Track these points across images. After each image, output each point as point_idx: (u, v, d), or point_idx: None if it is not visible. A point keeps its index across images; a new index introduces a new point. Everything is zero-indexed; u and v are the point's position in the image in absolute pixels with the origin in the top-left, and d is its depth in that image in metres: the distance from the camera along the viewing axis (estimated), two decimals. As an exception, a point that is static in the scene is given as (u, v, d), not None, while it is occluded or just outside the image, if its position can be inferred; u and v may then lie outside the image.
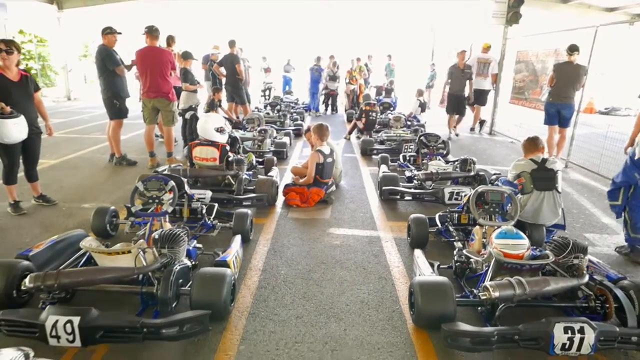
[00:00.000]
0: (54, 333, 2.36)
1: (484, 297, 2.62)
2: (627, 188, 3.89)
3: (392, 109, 11.41)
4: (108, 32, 6.07)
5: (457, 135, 10.04)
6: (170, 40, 7.66)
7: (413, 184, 5.48)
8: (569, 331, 2.36)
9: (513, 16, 9.89)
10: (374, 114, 9.00)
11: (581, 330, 2.37)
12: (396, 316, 2.93)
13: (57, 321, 2.36)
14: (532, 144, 3.98)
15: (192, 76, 7.63)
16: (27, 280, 2.63)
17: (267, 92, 15.42)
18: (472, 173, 5.30)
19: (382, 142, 8.15)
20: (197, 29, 18.28)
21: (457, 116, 10.14)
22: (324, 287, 3.29)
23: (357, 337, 2.69)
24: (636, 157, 3.77)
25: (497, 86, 10.59)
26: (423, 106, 10.84)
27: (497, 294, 2.55)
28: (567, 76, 6.94)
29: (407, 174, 5.87)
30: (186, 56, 7.70)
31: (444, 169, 5.47)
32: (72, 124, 10.84)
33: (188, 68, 7.60)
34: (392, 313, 2.97)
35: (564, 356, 2.42)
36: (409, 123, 9.47)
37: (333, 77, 13.61)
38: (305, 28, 21.62)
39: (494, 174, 5.29)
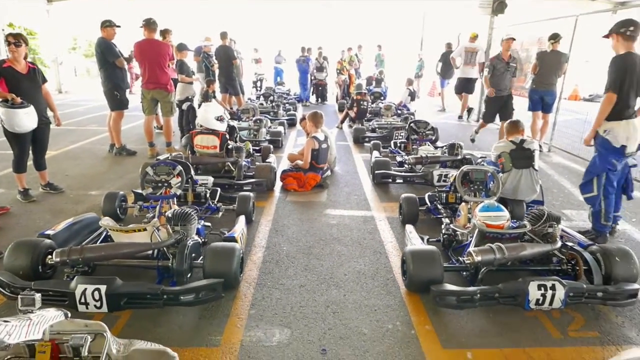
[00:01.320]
0: (82, 300, 2.63)
1: (468, 262, 2.93)
2: (600, 177, 3.88)
3: (382, 98, 11.68)
4: (107, 25, 6.24)
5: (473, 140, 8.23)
6: (165, 33, 7.82)
7: (404, 168, 5.78)
8: (542, 288, 2.69)
9: (499, 6, 10.19)
10: (365, 103, 9.27)
11: (553, 287, 2.69)
12: (390, 283, 3.23)
13: (85, 289, 2.63)
14: (513, 126, 4.30)
15: (187, 68, 7.82)
16: (54, 254, 2.87)
17: (258, 84, 15.59)
18: (459, 157, 5.61)
19: (373, 130, 8.43)
20: (188, 21, 18.30)
21: (502, 122, 7.65)
22: (324, 260, 3.58)
23: (356, 301, 2.99)
24: (618, 145, 3.73)
25: (484, 75, 10.89)
26: (413, 95, 11.11)
27: (479, 258, 2.86)
28: (550, 64, 7.25)
29: (398, 159, 6.17)
30: (181, 48, 7.88)
31: (433, 154, 5.77)
32: (67, 116, 10.90)
33: (184, 60, 7.78)
34: (387, 281, 3.27)
35: (538, 310, 2.74)
36: (399, 112, 9.75)
37: (320, 68, 13.84)
38: (295, 19, 21.72)
39: (480, 158, 5.60)
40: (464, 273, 3.13)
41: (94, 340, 2.12)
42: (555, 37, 7.15)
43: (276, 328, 2.69)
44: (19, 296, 2.03)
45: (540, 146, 6.47)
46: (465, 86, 11.05)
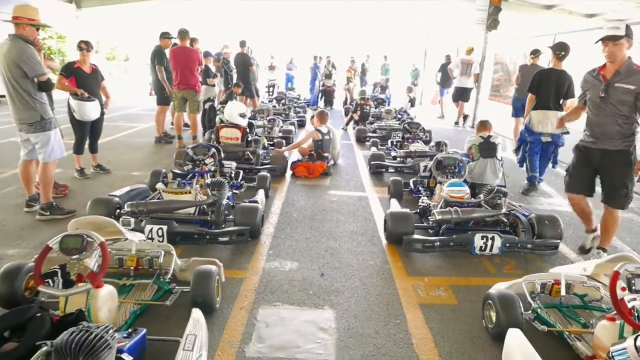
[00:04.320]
0: (150, 236, 3.64)
1: (432, 219, 3.92)
2: (525, 145, 5.71)
3: (387, 104, 12.71)
4: (165, 36, 7.44)
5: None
6: (193, 41, 8.91)
7: (397, 161, 6.77)
8: (485, 238, 3.66)
9: (492, 23, 11.15)
10: (367, 107, 10.30)
11: (492, 238, 3.66)
12: (375, 238, 4.22)
13: (152, 228, 3.64)
14: (482, 125, 5.31)
15: (211, 72, 8.90)
16: (126, 206, 3.89)
17: (271, 89, 16.72)
18: (444, 152, 6.58)
19: (374, 131, 9.44)
20: (207, 28, 19.51)
21: None
22: (325, 223, 4.58)
23: (348, 248, 3.98)
24: (531, 126, 5.61)
25: (479, 85, 11.88)
26: (413, 101, 12.12)
27: (440, 217, 3.85)
28: (530, 75, 8.20)
29: (393, 153, 7.17)
30: (206, 55, 8.97)
31: (422, 149, 6.75)
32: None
33: (209, 65, 8.87)
34: (372, 237, 4.26)
35: (481, 255, 3.72)
36: (399, 116, 10.75)
37: (329, 75, 14.92)
38: (307, 29, 22.91)
39: (454, 150, 6.55)
40: (430, 231, 4.11)
41: (164, 256, 3.12)
42: (535, 53, 8.11)
43: (288, 261, 3.69)
44: (121, 218, 3.07)
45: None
46: (461, 95, 12.03)
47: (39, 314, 2.00)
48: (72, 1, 17.48)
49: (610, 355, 2.15)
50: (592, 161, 3.73)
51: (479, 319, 2.86)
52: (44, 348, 1.84)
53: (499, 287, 2.92)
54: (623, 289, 2.32)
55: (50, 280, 2.35)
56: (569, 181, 3.92)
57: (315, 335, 2.71)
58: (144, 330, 2.36)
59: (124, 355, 2.05)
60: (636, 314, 2.28)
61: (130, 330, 2.33)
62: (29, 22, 4.04)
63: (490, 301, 2.73)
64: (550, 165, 5.95)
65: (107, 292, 2.47)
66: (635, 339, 2.04)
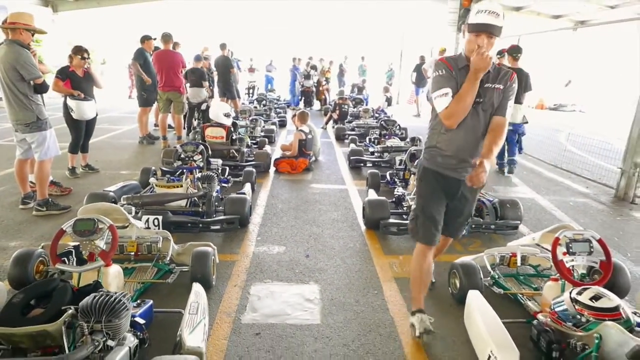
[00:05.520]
0: (146, 225, 3.92)
1: (405, 205, 4.31)
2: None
3: (365, 104, 13.13)
4: (147, 39, 7.77)
5: None
6: (175, 45, 9.16)
7: (374, 156, 7.17)
8: (452, 220, 4.06)
9: (463, 25, 11.70)
10: (345, 106, 10.71)
11: (459, 220, 4.06)
12: (355, 225, 4.60)
13: (148, 219, 3.93)
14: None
15: (206, 75, 9.19)
16: (122, 199, 4.16)
17: (251, 90, 16.99)
18: (418, 147, 7.01)
19: (352, 129, 9.83)
20: (187, 31, 19.63)
21: None
22: (308, 212, 4.93)
23: (330, 234, 4.34)
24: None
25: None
26: (389, 100, 12.59)
27: (413, 203, 4.23)
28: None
29: (371, 149, 7.57)
30: (198, 58, 9.27)
31: (397, 145, 7.17)
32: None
33: (204, 69, 9.14)
34: (352, 223, 4.64)
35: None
36: (376, 115, 11.17)
37: (307, 76, 15.29)
38: (286, 31, 23.25)
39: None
40: (404, 216, 4.49)
41: (162, 242, 3.42)
42: (500, 54, 8.65)
43: (275, 246, 4.03)
44: (124, 205, 3.35)
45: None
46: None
47: (61, 284, 2.28)
48: (48, 5, 17.42)
49: (552, 307, 2.56)
50: None
51: (446, 288, 3.26)
52: (69, 311, 2.13)
53: (463, 259, 3.32)
54: (564, 253, 2.73)
55: (65, 259, 2.63)
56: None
57: (303, 305, 3.06)
58: (151, 302, 2.67)
59: (137, 318, 2.36)
60: (575, 273, 2.70)
61: (139, 301, 2.64)
62: (24, 27, 4.27)
63: (455, 270, 3.12)
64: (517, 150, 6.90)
65: (115, 270, 2.76)
66: (571, 292, 2.45)
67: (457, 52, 3.08)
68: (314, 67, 15.57)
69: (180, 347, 2.20)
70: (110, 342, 2.05)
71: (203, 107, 8.88)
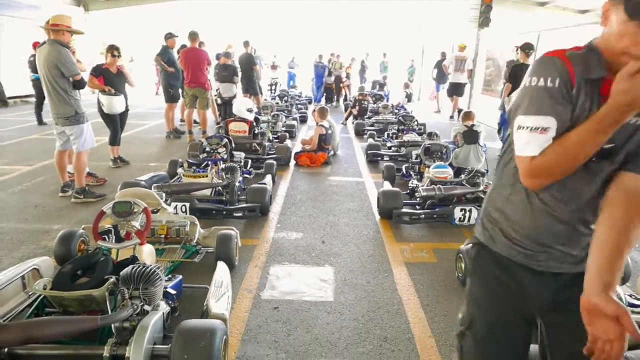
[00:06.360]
0: (175, 212, 4.23)
1: (418, 196, 4.51)
2: (506, 125, 6.58)
3: (386, 100, 13.28)
4: (170, 37, 8.09)
5: None
6: (201, 43, 9.52)
7: (392, 150, 7.36)
8: (463, 211, 4.25)
9: (484, 20, 11.72)
10: (365, 102, 10.89)
11: (470, 210, 4.25)
12: (370, 214, 4.82)
13: (177, 205, 4.24)
14: (466, 115, 5.89)
15: (238, 71, 9.55)
16: (152, 187, 4.48)
17: (273, 87, 17.31)
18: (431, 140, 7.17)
19: (371, 125, 10.02)
20: (211, 29, 20.10)
21: None
22: (326, 203, 5.17)
23: (346, 222, 4.58)
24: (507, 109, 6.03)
25: (472, 80, 12.45)
26: (409, 97, 12.69)
27: (425, 193, 4.44)
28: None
29: (388, 144, 7.75)
30: (228, 56, 9.63)
31: (414, 139, 7.33)
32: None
33: (235, 66, 9.52)
34: (367, 213, 4.86)
35: (461, 225, 4.30)
36: (396, 111, 11.32)
37: (330, 73, 15.48)
38: (308, 29, 23.51)
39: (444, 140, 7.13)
40: (417, 207, 4.69)
41: (190, 226, 3.71)
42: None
43: (293, 232, 4.29)
44: (155, 192, 3.66)
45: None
46: (455, 90, 12.60)
47: (104, 257, 2.59)
48: (80, 4, 18.12)
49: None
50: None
51: (453, 272, 3.45)
52: (111, 279, 2.43)
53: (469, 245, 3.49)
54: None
55: (105, 237, 2.95)
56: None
57: (318, 284, 3.31)
58: (181, 277, 2.96)
59: (169, 289, 2.65)
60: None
61: (169, 276, 2.94)
62: (67, 29, 4.64)
63: (460, 254, 3.31)
64: None
65: (149, 249, 3.07)
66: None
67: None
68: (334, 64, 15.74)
69: (207, 313, 2.48)
70: (146, 307, 2.33)
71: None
